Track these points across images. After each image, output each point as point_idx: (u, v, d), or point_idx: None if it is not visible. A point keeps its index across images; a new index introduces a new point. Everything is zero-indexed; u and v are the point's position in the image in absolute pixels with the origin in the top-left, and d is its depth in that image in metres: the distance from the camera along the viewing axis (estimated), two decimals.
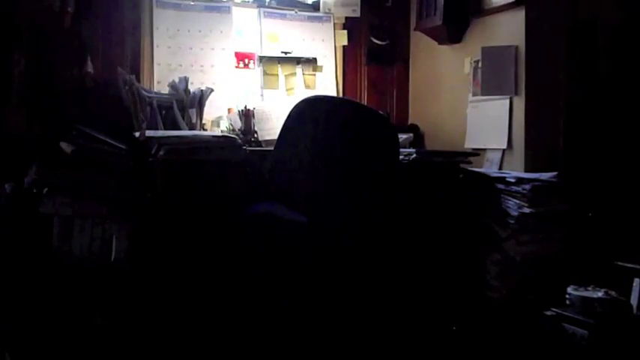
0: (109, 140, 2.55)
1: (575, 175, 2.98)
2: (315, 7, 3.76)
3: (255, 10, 3.60)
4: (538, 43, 3.07)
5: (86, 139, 2.51)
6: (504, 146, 3.15)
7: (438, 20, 3.45)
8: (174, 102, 3.06)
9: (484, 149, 3.28)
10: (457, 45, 3.53)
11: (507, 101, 3.15)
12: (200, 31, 3.44)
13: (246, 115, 3.21)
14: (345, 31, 3.79)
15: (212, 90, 3.21)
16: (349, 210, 2.45)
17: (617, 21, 3.13)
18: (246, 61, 3.53)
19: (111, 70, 3.07)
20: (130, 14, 3.26)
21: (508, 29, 3.17)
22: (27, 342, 2.32)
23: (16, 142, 2.68)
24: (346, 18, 3.78)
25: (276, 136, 2.75)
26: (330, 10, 3.75)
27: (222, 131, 3.24)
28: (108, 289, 2.40)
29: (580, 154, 3.08)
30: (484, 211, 2.85)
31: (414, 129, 3.75)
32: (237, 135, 3.09)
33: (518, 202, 2.74)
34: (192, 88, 3.17)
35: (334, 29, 3.76)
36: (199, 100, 3.14)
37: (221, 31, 3.48)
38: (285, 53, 3.57)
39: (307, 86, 3.59)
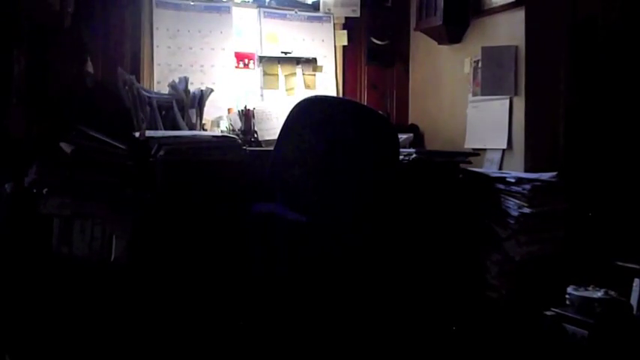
0: (109, 140, 2.55)
1: (575, 175, 2.98)
2: (315, 7, 3.76)
3: (255, 11, 3.60)
4: (538, 43, 3.07)
5: (86, 139, 2.51)
6: (504, 146, 3.15)
7: (438, 20, 3.45)
8: (174, 102, 3.06)
9: (484, 149, 3.28)
10: (457, 45, 3.53)
11: (507, 101, 3.15)
12: (200, 32, 3.44)
13: (246, 115, 3.21)
14: (345, 31, 3.79)
15: (212, 90, 3.21)
16: (349, 210, 2.45)
17: (617, 20, 3.13)
18: (246, 61, 3.54)
19: (111, 70, 3.07)
20: (130, 14, 3.26)
21: (508, 29, 3.17)
22: (27, 342, 2.32)
23: (16, 142, 2.67)
24: (346, 18, 3.78)
25: (276, 136, 2.76)
26: (330, 10, 3.75)
27: (222, 131, 3.24)
28: (108, 289, 2.40)
29: (580, 154, 3.08)
30: (484, 211, 2.85)
31: (414, 129, 3.75)
32: (237, 135, 3.09)
33: (518, 202, 2.74)
34: (192, 88, 3.17)
35: (334, 29, 3.76)
36: (199, 100, 3.14)
37: (221, 32, 3.48)
38: (285, 53, 3.57)
39: (307, 86, 3.59)
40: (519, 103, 3.10)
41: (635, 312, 2.50)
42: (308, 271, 2.42)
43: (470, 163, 3.07)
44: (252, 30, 3.58)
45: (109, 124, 2.71)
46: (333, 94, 3.69)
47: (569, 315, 2.45)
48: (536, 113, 3.08)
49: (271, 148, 2.83)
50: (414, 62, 3.95)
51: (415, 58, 3.94)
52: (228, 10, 3.52)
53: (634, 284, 2.55)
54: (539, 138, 3.08)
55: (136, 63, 3.28)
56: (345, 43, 3.79)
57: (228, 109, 3.36)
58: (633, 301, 2.53)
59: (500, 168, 3.16)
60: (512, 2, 3.11)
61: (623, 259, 2.67)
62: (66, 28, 2.97)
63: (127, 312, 2.42)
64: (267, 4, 3.65)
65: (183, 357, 2.47)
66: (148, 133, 2.66)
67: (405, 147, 3.17)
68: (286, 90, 3.55)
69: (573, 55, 3.10)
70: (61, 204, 2.39)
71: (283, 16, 3.65)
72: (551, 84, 3.10)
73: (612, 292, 2.50)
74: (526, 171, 3.01)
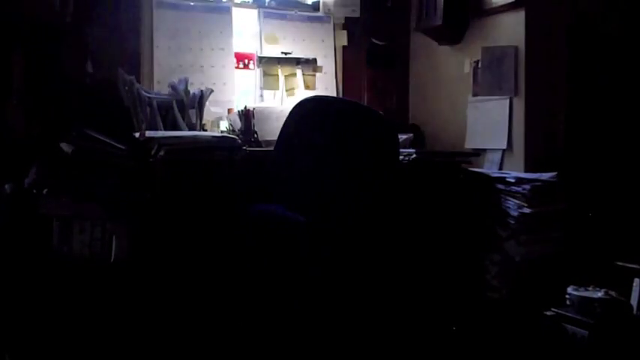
0: (109, 140, 2.55)
1: (575, 175, 2.98)
2: (315, 7, 3.76)
3: (255, 11, 3.60)
4: (538, 43, 3.08)
5: (86, 140, 2.51)
6: (504, 146, 3.15)
7: (438, 20, 3.45)
8: (174, 102, 3.06)
9: (484, 149, 3.28)
10: (457, 45, 3.53)
11: (507, 101, 3.15)
12: (200, 32, 3.44)
13: (246, 115, 3.21)
14: (345, 32, 3.79)
15: (212, 90, 3.21)
16: (349, 210, 2.45)
17: (617, 20, 3.13)
18: (246, 61, 3.53)
19: (111, 70, 3.06)
20: (130, 14, 3.26)
21: (508, 29, 3.17)
22: (27, 342, 2.32)
23: (16, 142, 2.67)
24: (346, 18, 3.78)
25: (276, 137, 2.76)
26: (329, 10, 3.75)
27: (222, 131, 3.24)
28: (108, 289, 2.40)
29: (580, 154, 3.08)
30: (484, 211, 2.85)
31: (414, 129, 3.75)
32: (237, 135, 3.09)
33: (518, 202, 2.74)
34: (192, 88, 3.17)
35: (334, 30, 3.76)
36: (199, 100, 3.14)
37: (221, 32, 3.48)
38: (285, 54, 3.57)
39: (307, 87, 3.58)
40: (519, 104, 3.10)
41: (635, 312, 2.50)
42: (308, 271, 2.42)
43: (470, 163, 3.06)
44: (252, 30, 3.58)
45: (109, 124, 2.71)
46: (333, 94, 3.69)
47: (569, 315, 2.45)
48: (536, 113, 3.08)
49: (271, 149, 2.83)
50: (414, 62, 3.95)
51: (415, 59, 3.94)
52: (227, 10, 3.52)
53: (634, 284, 2.55)
54: (539, 138, 3.09)
55: (136, 63, 3.27)
56: (345, 44, 3.79)
57: (228, 110, 3.36)
58: (633, 301, 2.53)
59: (501, 168, 3.16)
60: (512, 3, 3.11)
61: (623, 259, 2.67)
62: (66, 28, 2.97)
63: (127, 312, 2.42)
64: (267, 4, 3.65)
65: (183, 356, 2.47)
66: (148, 133, 2.66)
67: (405, 147, 3.17)
68: (286, 90, 3.54)
69: (573, 55, 3.10)
70: (61, 204, 2.39)
71: (283, 17, 3.65)
72: (551, 84, 3.10)
73: (612, 292, 2.50)
74: (526, 171, 3.01)
